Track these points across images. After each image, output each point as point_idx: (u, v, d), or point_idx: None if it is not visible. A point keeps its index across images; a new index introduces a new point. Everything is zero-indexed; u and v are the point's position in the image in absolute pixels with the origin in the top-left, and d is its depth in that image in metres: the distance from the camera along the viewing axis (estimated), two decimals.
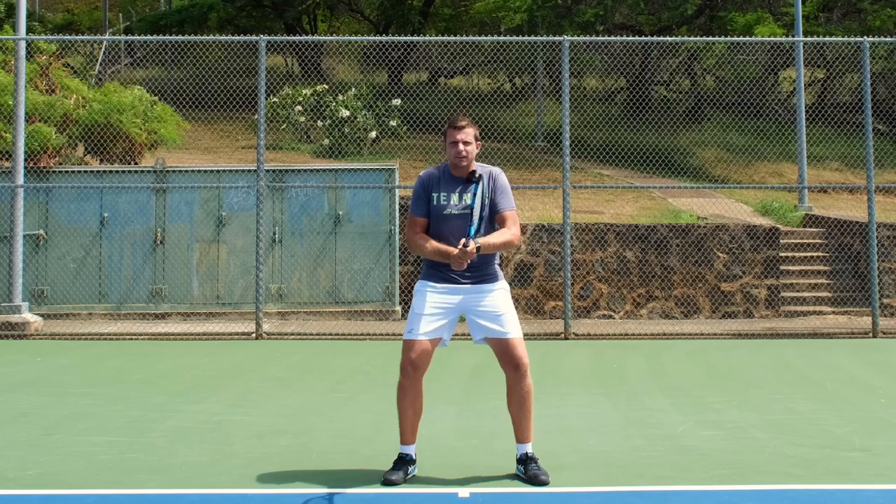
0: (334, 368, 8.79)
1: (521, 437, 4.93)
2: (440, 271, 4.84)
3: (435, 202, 4.87)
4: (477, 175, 4.83)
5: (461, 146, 4.83)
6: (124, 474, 4.96)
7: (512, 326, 4.84)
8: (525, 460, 4.88)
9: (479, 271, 4.85)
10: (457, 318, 4.91)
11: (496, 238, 4.79)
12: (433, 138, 17.24)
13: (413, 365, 4.81)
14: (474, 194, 4.75)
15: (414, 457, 4.91)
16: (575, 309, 11.81)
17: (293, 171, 12.26)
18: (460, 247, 4.61)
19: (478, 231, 4.72)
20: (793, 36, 16.92)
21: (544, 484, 4.74)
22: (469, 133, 4.87)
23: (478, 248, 4.66)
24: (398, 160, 14.09)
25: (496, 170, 4.96)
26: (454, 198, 4.84)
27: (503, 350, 4.84)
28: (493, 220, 4.87)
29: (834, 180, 17.05)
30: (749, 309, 12.24)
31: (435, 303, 4.82)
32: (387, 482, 4.74)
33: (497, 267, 4.96)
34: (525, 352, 4.87)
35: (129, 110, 13.10)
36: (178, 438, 5.78)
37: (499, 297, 4.87)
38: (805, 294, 12.58)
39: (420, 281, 4.94)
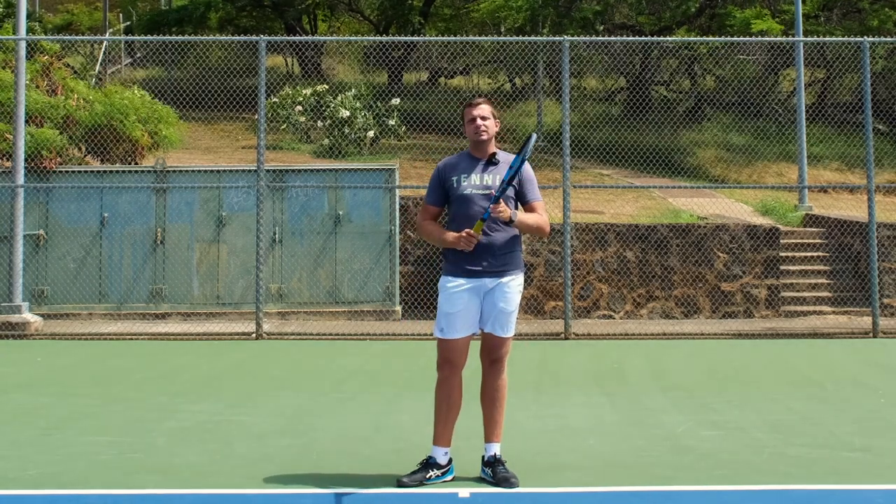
0: (334, 368, 8.79)
1: (490, 434, 4.87)
2: (460, 265, 4.79)
3: (455, 185, 4.84)
4: (496, 158, 4.86)
5: (479, 121, 4.85)
6: (124, 474, 4.96)
7: (510, 327, 4.86)
8: (493, 462, 4.82)
9: (501, 258, 4.80)
10: (481, 306, 4.84)
11: (531, 218, 4.82)
12: (433, 138, 17.26)
13: (449, 363, 4.82)
14: (512, 167, 4.70)
15: (439, 461, 4.80)
16: (575, 309, 11.81)
17: (293, 171, 12.26)
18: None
19: (499, 199, 4.67)
20: (791, 34, 16.92)
21: (515, 486, 4.69)
22: (485, 109, 4.88)
23: (511, 220, 4.67)
24: (398, 160, 14.10)
25: None
26: (474, 178, 4.82)
27: (491, 345, 4.86)
28: (525, 211, 4.88)
29: (834, 180, 17.05)
30: (749, 309, 12.24)
31: (461, 299, 4.77)
32: (398, 483, 4.72)
33: (519, 256, 4.91)
34: (508, 351, 4.90)
35: (131, 114, 13.10)
36: (178, 438, 5.78)
37: (512, 295, 4.83)
38: (805, 294, 12.58)
39: (443, 277, 4.87)
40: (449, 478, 4.83)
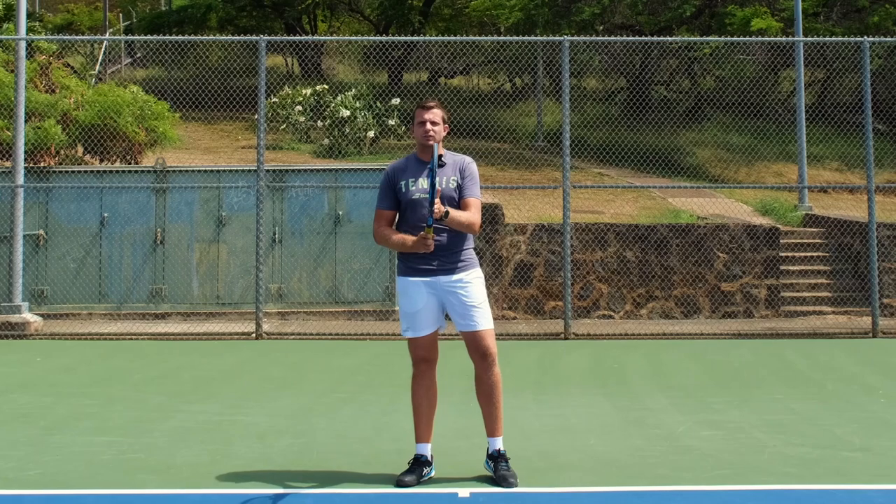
0: (334, 368, 8.79)
1: (490, 429, 4.93)
2: (413, 266, 4.86)
3: (403, 189, 4.89)
4: (443, 160, 4.88)
5: (428, 125, 4.88)
6: (124, 474, 4.96)
7: (482, 318, 4.86)
8: (496, 457, 4.88)
9: (452, 256, 4.86)
10: (442, 304, 4.90)
11: (462, 214, 4.81)
12: None
13: (423, 359, 4.91)
14: (429, 175, 4.69)
15: (429, 457, 4.89)
16: (575, 309, 11.81)
17: (293, 171, 12.26)
18: (422, 232, 4.69)
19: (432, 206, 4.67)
20: (790, 32, 16.91)
21: (513, 486, 4.72)
22: (437, 114, 4.92)
23: (446, 214, 4.67)
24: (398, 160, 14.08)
25: (467, 158, 5.00)
26: (422, 182, 4.86)
27: (472, 341, 4.88)
28: (460, 207, 4.89)
29: (834, 180, 17.05)
30: (749, 309, 12.24)
31: (418, 297, 4.85)
32: (399, 484, 4.73)
33: (471, 253, 4.96)
34: (493, 342, 4.89)
35: (125, 109, 13.09)
36: (178, 438, 5.79)
37: (473, 288, 4.87)
38: (805, 294, 12.58)
39: (398, 278, 4.96)
40: (433, 473, 4.89)
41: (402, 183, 4.90)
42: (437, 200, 4.62)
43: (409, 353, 4.98)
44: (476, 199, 4.91)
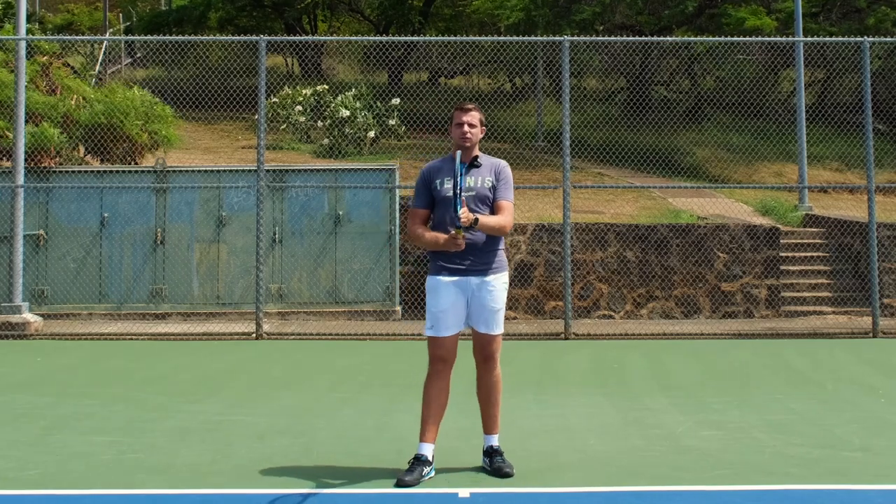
0: (334, 368, 8.79)
1: (487, 427, 5.06)
2: (444, 265, 4.94)
3: (438, 187, 4.98)
4: (479, 161, 4.99)
5: (466, 127, 4.98)
6: (124, 474, 4.96)
7: (498, 325, 4.97)
8: (491, 453, 5.00)
9: (484, 257, 4.94)
10: (467, 303, 4.97)
11: (492, 219, 4.91)
12: (433, 138, 17.25)
13: (442, 360, 4.97)
14: (459, 174, 4.75)
15: (430, 458, 4.90)
16: (575, 309, 11.81)
17: (293, 171, 12.26)
18: (452, 232, 4.76)
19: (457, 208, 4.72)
20: (788, 32, 16.91)
21: (508, 476, 4.85)
22: (475, 116, 5.03)
23: (475, 221, 4.75)
24: (398, 160, 14.09)
25: (502, 162, 5.11)
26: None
27: (481, 343, 4.99)
28: (493, 209, 4.99)
29: (834, 180, 17.05)
30: (749, 309, 12.24)
31: (446, 297, 4.92)
32: (400, 483, 4.74)
33: (502, 255, 5.04)
34: (499, 347, 5.02)
35: (131, 112, 13.10)
36: (178, 438, 5.79)
37: (498, 294, 4.97)
38: (805, 294, 12.58)
39: (430, 276, 5.02)
40: (433, 474, 4.89)
41: (437, 181, 4.99)
42: (464, 209, 4.70)
43: (427, 351, 5.00)
44: (509, 202, 5.02)
